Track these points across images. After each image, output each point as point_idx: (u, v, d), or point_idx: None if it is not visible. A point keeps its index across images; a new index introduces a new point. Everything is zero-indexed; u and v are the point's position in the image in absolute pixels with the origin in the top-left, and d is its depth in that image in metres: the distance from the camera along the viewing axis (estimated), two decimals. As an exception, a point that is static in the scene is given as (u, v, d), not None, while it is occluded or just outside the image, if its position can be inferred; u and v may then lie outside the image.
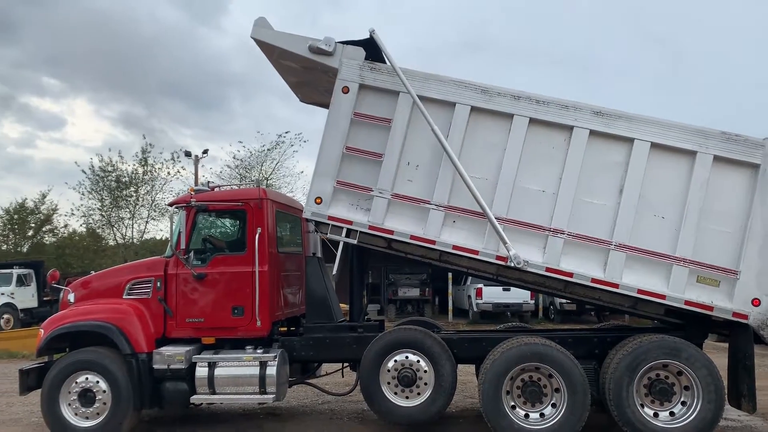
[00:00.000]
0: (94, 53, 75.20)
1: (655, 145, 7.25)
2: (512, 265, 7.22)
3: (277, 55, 8.12)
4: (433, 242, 7.46)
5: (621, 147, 7.33)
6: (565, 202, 7.31)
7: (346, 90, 7.62)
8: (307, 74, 8.48)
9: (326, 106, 7.86)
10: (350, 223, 7.60)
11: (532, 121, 7.39)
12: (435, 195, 7.49)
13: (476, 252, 7.42)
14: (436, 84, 7.55)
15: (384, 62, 7.70)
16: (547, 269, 7.31)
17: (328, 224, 7.67)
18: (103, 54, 73.27)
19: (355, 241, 7.67)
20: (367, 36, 7.71)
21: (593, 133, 7.33)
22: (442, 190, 7.47)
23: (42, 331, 8.05)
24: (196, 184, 17.75)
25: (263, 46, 7.98)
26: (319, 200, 7.62)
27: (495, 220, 7.22)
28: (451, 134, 7.44)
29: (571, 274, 7.29)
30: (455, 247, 7.45)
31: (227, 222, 9.27)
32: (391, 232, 7.53)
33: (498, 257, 7.34)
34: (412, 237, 7.49)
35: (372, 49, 7.72)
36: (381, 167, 7.55)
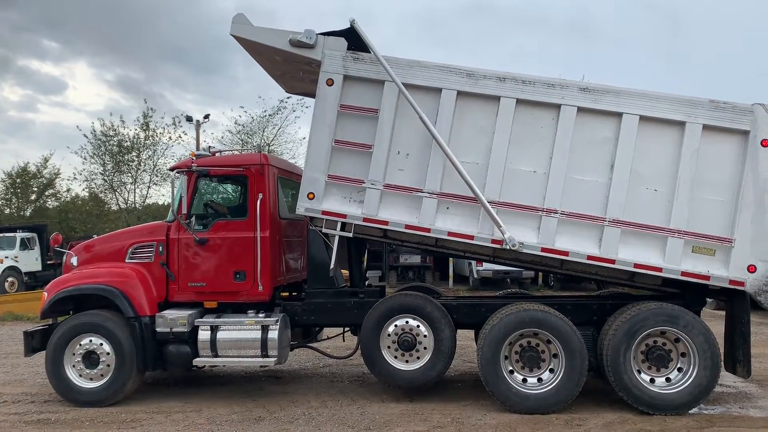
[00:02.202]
0: (94, 15, 74.37)
1: (643, 118, 7.21)
2: (508, 247, 7.24)
3: (258, 50, 8.03)
4: (428, 230, 7.46)
5: (610, 122, 7.29)
6: (557, 181, 7.29)
7: (330, 82, 7.53)
8: (291, 67, 8.39)
9: (313, 95, 7.78)
10: (344, 216, 7.59)
11: (519, 101, 7.33)
12: (427, 183, 7.46)
13: (471, 237, 7.43)
14: (421, 70, 7.47)
15: (367, 52, 7.57)
16: (543, 249, 7.32)
17: (323, 219, 7.67)
18: (103, 16, 72.47)
19: (350, 234, 7.70)
20: (348, 26, 7.57)
21: (581, 109, 7.27)
22: (433, 178, 7.44)
23: (45, 294, 8.12)
24: (197, 149, 17.66)
25: (243, 42, 7.88)
26: (311, 195, 7.58)
27: (488, 204, 7.22)
28: (439, 120, 7.39)
29: (566, 253, 7.31)
30: (450, 234, 7.45)
31: (229, 187, 9.27)
32: (385, 222, 7.53)
33: (493, 241, 7.36)
34: (407, 226, 7.49)
35: (354, 39, 7.58)
36: (371, 158, 7.50)
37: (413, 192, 7.51)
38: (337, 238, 7.71)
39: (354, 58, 7.56)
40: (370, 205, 7.52)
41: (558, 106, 7.31)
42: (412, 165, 7.54)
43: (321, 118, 7.56)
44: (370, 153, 7.52)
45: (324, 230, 7.74)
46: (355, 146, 7.57)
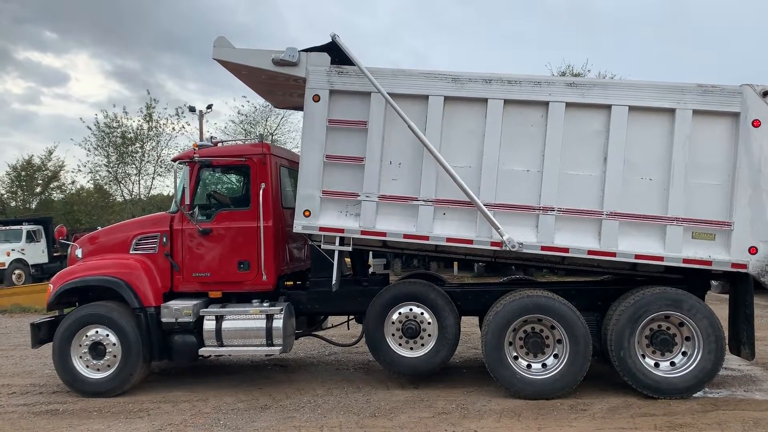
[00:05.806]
0: (94, 5, 74.16)
1: (633, 108, 7.16)
2: (507, 249, 7.22)
3: (242, 71, 8.00)
4: (427, 238, 7.42)
5: (599, 115, 7.25)
6: (551, 179, 7.25)
7: (317, 98, 7.48)
8: (277, 84, 8.36)
9: (302, 108, 7.74)
10: (342, 231, 7.55)
11: (507, 102, 7.29)
12: (422, 190, 7.42)
13: (470, 241, 7.40)
14: (406, 79, 7.42)
15: (350, 64, 7.50)
16: (543, 248, 7.29)
17: (321, 235, 7.64)
18: (103, 6, 72.29)
19: (350, 248, 7.67)
20: (330, 40, 7.52)
21: (570, 105, 7.23)
22: (428, 185, 7.40)
23: (51, 286, 8.16)
24: (200, 139, 17.64)
25: (227, 65, 7.85)
26: (307, 213, 7.54)
27: (484, 207, 7.18)
28: (429, 127, 7.34)
29: (567, 250, 7.28)
30: (449, 239, 7.42)
31: (232, 177, 9.27)
32: (383, 234, 7.49)
33: (492, 243, 7.32)
34: (405, 236, 7.45)
35: (337, 53, 7.54)
36: (364, 171, 7.45)
37: (409, 201, 7.47)
38: (337, 253, 7.68)
39: (338, 72, 7.50)
40: (367, 217, 7.48)
41: (546, 104, 7.26)
42: (406, 174, 7.49)
43: (310, 135, 7.53)
44: (362, 165, 7.47)
45: (323, 246, 7.71)
46: (346, 160, 7.52)
